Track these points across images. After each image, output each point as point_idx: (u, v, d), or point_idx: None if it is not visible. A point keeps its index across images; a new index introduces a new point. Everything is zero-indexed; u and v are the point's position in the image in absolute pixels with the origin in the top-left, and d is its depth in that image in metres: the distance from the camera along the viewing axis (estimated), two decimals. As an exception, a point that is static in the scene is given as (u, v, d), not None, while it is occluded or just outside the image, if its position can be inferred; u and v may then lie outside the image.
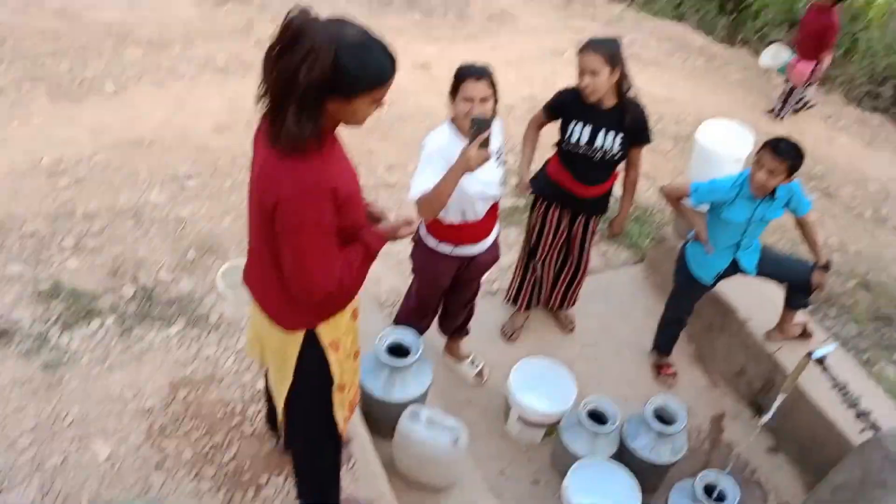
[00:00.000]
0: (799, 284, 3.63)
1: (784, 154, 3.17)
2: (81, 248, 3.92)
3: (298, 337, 2.13)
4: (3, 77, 5.12)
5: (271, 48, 1.78)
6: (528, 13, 9.07)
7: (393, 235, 2.13)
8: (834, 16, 7.32)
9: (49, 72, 5.28)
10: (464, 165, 2.57)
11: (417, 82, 6.61)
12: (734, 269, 3.65)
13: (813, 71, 7.41)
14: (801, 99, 7.84)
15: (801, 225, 3.54)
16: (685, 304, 3.87)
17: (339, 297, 2.14)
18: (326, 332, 2.15)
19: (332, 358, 2.19)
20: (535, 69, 7.59)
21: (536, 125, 3.64)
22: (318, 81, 1.74)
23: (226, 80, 5.88)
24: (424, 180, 2.75)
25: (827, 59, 7.43)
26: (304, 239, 1.88)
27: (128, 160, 4.73)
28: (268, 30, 6.63)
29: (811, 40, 7.34)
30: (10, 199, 4.17)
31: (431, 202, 2.72)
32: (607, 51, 3.20)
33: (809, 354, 3.14)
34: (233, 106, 5.55)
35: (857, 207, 6.45)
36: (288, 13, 1.75)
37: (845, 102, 8.53)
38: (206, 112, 5.43)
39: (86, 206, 4.24)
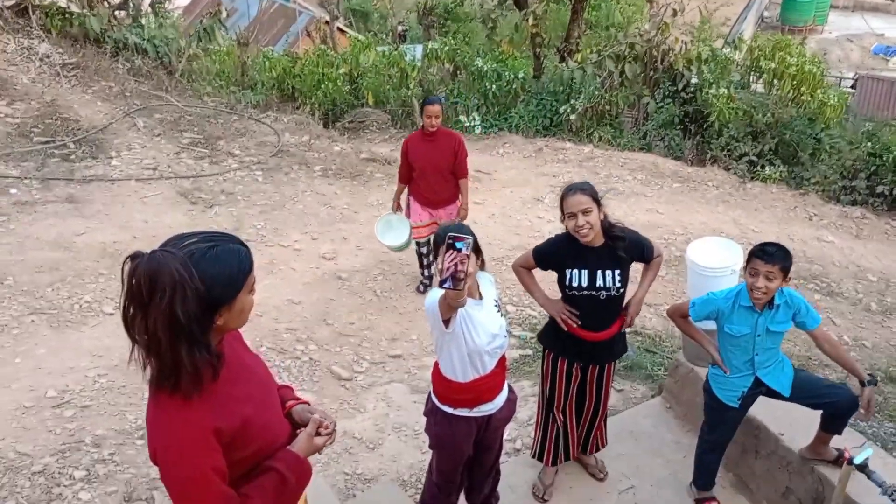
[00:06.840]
0: (836, 412, 3.48)
1: (774, 257, 3.18)
2: (92, 477, 3.83)
3: None
4: (5, 314, 5.21)
5: (126, 308, 1.69)
6: (501, 168, 9.42)
7: (310, 449, 2.01)
8: (458, 135, 5.81)
9: (49, 302, 5.39)
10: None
11: (405, 252, 6.75)
12: (762, 389, 3.55)
13: (459, 207, 5.86)
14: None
15: (818, 342, 3.46)
16: (720, 430, 3.72)
17: None
18: None
19: None
20: (518, 219, 7.80)
21: (527, 270, 3.65)
22: (199, 308, 1.69)
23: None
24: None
25: (466, 186, 5.82)
26: (182, 488, 1.77)
27: (131, 379, 4.72)
28: (257, 223, 6.78)
29: (438, 175, 5.66)
30: (17, 439, 4.11)
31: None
32: (591, 190, 3.31)
33: (850, 462, 3.02)
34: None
35: (862, 301, 6.43)
36: (122, 268, 1.67)
37: (824, 201, 8.71)
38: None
39: (93, 433, 4.19)
